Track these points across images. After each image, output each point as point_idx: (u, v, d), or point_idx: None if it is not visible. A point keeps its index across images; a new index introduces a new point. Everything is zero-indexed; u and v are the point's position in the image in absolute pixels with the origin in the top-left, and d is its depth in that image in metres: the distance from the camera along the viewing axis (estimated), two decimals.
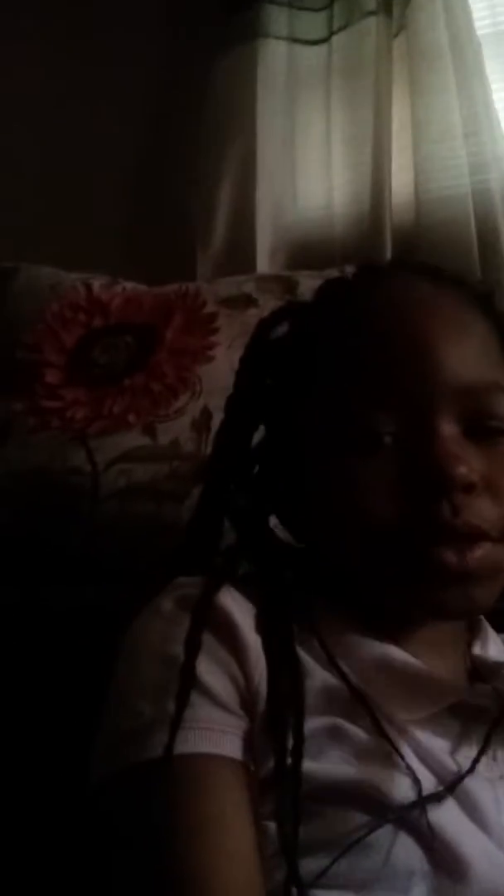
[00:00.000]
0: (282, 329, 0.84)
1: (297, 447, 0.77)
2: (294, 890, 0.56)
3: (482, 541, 0.66)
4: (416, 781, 0.61)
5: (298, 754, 0.61)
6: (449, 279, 0.79)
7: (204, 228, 1.56)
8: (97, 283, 1.27)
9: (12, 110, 1.78)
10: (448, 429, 0.68)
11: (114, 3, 1.76)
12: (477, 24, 1.53)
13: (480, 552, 0.66)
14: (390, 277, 0.81)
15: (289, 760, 0.61)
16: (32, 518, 1.11)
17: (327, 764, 0.62)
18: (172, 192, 1.64)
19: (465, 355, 0.71)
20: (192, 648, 0.65)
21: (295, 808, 0.59)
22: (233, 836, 0.59)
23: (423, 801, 0.60)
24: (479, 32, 1.52)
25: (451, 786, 0.63)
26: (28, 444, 1.15)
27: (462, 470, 0.66)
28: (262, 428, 0.84)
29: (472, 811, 0.63)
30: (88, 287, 1.26)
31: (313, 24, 1.58)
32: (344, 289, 0.84)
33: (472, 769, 0.65)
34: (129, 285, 1.28)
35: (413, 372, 0.69)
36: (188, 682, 0.63)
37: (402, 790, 0.61)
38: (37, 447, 1.14)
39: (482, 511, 0.67)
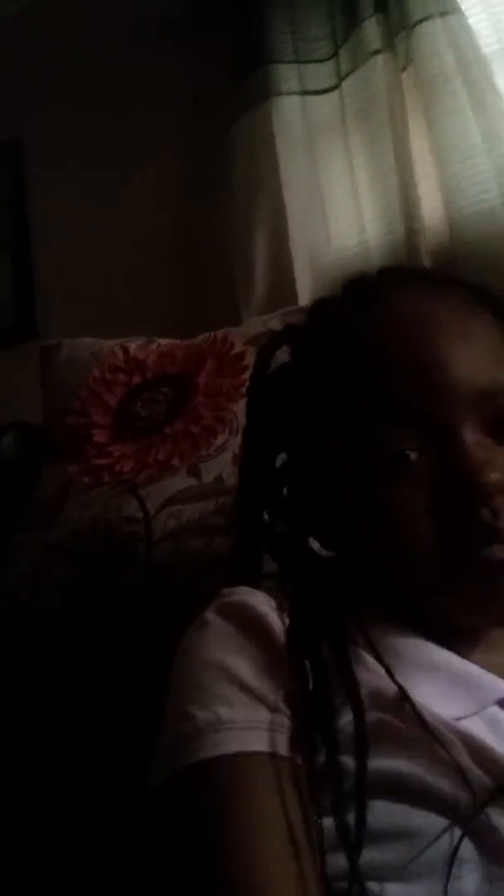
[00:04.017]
0: (283, 355, 0.86)
1: (321, 472, 0.77)
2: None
3: None
4: (461, 773, 0.61)
5: (364, 754, 0.62)
6: (442, 282, 0.79)
7: (244, 283, 1.61)
8: (133, 345, 1.34)
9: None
10: (471, 436, 0.68)
11: (136, 86, 1.89)
12: (484, 41, 1.56)
13: None
14: (384, 290, 0.78)
15: (341, 757, 0.62)
16: (94, 567, 1.16)
17: (376, 759, 0.63)
18: (210, 253, 1.70)
19: (474, 358, 0.70)
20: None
21: (361, 803, 0.60)
22: (280, 830, 0.60)
23: (483, 803, 0.60)
24: (487, 50, 1.55)
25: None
26: (84, 501, 1.21)
27: (494, 476, 0.66)
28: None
29: None
30: (125, 349, 1.33)
31: (322, 73, 1.64)
32: (338, 307, 0.82)
33: None
34: (164, 342, 1.34)
35: (425, 386, 0.68)
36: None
37: (447, 783, 0.61)
38: (92, 502, 1.20)
39: None
